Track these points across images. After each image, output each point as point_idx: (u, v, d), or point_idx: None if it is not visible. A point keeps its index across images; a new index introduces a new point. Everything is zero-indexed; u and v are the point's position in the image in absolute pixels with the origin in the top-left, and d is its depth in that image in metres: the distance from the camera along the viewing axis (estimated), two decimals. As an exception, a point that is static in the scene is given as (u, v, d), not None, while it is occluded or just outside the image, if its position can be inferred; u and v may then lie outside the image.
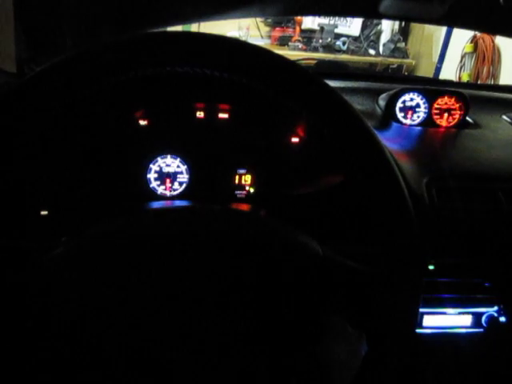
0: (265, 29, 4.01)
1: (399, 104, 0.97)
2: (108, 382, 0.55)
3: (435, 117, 0.98)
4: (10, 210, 0.66)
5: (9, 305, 0.52)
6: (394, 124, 0.96)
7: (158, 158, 0.75)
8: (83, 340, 0.53)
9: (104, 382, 0.55)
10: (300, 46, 3.79)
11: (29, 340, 0.52)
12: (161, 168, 0.75)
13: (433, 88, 1.01)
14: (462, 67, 3.48)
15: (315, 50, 3.77)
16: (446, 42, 3.54)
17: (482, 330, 0.76)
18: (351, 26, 3.88)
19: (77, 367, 0.54)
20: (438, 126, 0.97)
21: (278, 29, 3.94)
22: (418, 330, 0.73)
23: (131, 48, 0.49)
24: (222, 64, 0.50)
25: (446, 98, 0.97)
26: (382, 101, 1.00)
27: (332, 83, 1.01)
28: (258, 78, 0.52)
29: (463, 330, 0.76)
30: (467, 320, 0.76)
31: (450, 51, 3.55)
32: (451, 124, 0.98)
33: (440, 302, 0.74)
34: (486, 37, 3.23)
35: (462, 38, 3.43)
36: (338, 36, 3.89)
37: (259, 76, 0.52)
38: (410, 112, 0.97)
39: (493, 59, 3.24)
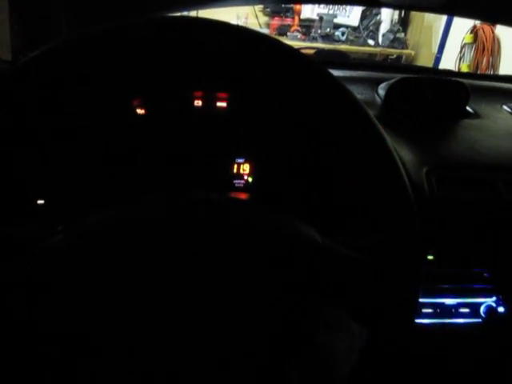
0: (263, 18, 3.99)
1: (399, 93, 0.96)
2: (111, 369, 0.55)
3: (435, 106, 0.97)
4: (6, 199, 0.65)
5: (6, 295, 0.51)
6: (394, 113, 0.95)
7: None
8: (83, 330, 0.53)
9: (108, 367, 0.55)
10: (299, 35, 3.78)
11: (27, 331, 0.52)
12: None
13: (432, 77, 1.00)
14: (461, 58, 3.47)
15: (314, 39, 3.75)
16: (445, 32, 3.53)
17: (480, 320, 0.76)
18: (350, 15, 3.87)
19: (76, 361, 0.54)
20: (438, 115, 0.97)
21: (276, 18, 3.92)
22: (416, 320, 0.73)
23: (129, 31, 0.48)
24: (225, 50, 0.50)
25: (445, 87, 0.96)
26: (381, 90, 0.99)
27: (332, 72, 1.00)
28: (259, 65, 0.51)
29: (461, 320, 0.76)
30: (465, 310, 0.76)
31: (450, 42, 3.54)
32: (451, 114, 0.97)
33: (439, 291, 0.74)
34: (486, 27, 3.22)
35: (461, 28, 3.42)
36: (337, 26, 3.87)
37: (261, 62, 0.51)
38: (409, 101, 0.96)
39: (492, 50, 3.23)
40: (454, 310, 0.75)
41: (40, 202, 0.70)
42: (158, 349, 0.53)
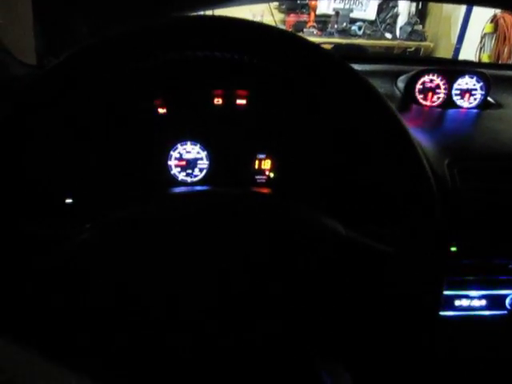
0: (279, 15, 3.98)
1: (418, 85, 0.96)
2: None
3: (456, 98, 0.96)
4: (36, 199, 0.67)
5: (38, 291, 0.53)
6: (414, 106, 0.95)
7: (178, 145, 0.75)
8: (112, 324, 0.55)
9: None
10: (315, 31, 3.76)
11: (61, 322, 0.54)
12: (181, 154, 0.76)
13: (452, 68, 1.00)
14: (481, 48, 3.41)
15: (330, 35, 3.72)
16: (465, 22, 3.46)
17: (505, 312, 0.75)
18: (367, 9, 3.83)
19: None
20: (459, 106, 0.96)
21: (292, 15, 3.90)
22: (441, 313, 0.73)
23: (154, 33, 0.49)
24: (243, 47, 0.50)
25: (466, 78, 0.95)
26: (400, 83, 0.99)
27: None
28: (279, 62, 0.52)
29: (486, 313, 0.75)
30: (491, 302, 0.75)
31: (470, 32, 3.47)
32: (472, 105, 0.96)
33: (463, 284, 0.73)
34: (507, 16, 3.15)
35: (481, 18, 3.35)
36: (353, 20, 3.83)
37: (281, 58, 0.52)
38: (429, 93, 0.96)
39: (514, 39, 3.16)
40: (478, 302, 0.75)
41: (68, 201, 0.72)
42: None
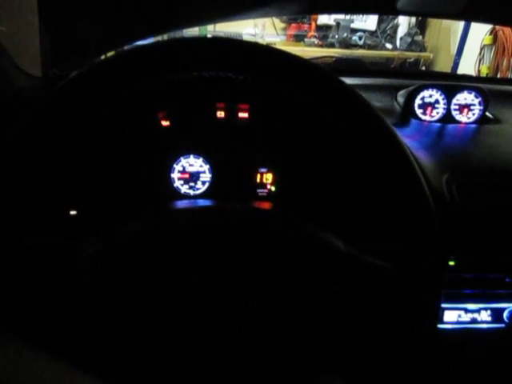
0: (280, 25, 4.00)
1: (418, 100, 0.97)
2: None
3: (454, 113, 0.98)
4: (41, 210, 0.68)
5: (44, 302, 0.54)
6: (413, 120, 0.97)
7: (182, 158, 0.77)
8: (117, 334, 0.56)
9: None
10: (316, 41, 3.78)
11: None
12: (184, 167, 0.77)
13: (451, 84, 1.01)
14: (481, 59, 3.43)
15: (331, 45, 3.74)
16: (464, 34, 3.49)
17: (503, 325, 0.76)
18: (367, 20, 3.85)
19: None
20: (458, 121, 0.97)
21: (293, 25, 3.93)
22: (439, 326, 0.74)
23: (161, 53, 0.51)
24: (247, 68, 0.52)
25: (465, 93, 0.97)
26: (400, 97, 1.00)
27: (351, 80, 1.02)
28: (281, 81, 0.53)
29: (484, 326, 0.76)
30: (488, 315, 0.76)
31: (469, 43, 3.50)
32: (471, 120, 0.98)
33: (461, 297, 0.74)
34: (506, 28, 3.18)
35: (480, 29, 3.38)
36: (354, 31, 3.86)
37: (282, 79, 0.53)
38: (429, 108, 0.97)
39: (513, 51, 3.18)
40: (476, 315, 0.75)
41: (73, 212, 0.73)
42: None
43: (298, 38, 3.88)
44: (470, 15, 1.10)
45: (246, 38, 3.58)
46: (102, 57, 1.15)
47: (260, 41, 3.62)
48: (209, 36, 0.54)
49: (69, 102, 0.51)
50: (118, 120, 0.73)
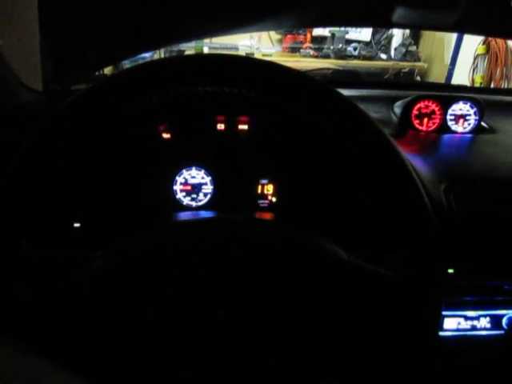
0: (276, 37, 4.04)
1: (415, 111, 0.99)
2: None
3: (450, 123, 0.99)
4: (45, 223, 0.69)
5: (46, 313, 0.55)
6: (410, 131, 0.98)
7: (184, 170, 0.78)
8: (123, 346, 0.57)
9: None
10: (311, 52, 3.82)
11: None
12: (186, 180, 0.78)
13: (447, 94, 1.03)
14: (474, 69, 3.47)
15: (327, 56, 3.78)
16: (457, 44, 3.54)
17: (502, 332, 0.77)
18: (362, 31, 3.89)
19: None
20: (454, 131, 0.99)
21: (289, 36, 3.97)
22: (439, 333, 0.75)
23: (167, 69, 0.52)
24: (253, 84, 0.53)
25: (460, 104, 0.99)
26: (397, 108, 1.02)
27: (348, 92, 1.03)
28: (281, 95, 0.55)
29: (484, 333, 0.76)
30: (487, 322, 0.77)
31: (463, 53, 3.54)
32: (467, 130, 0.99)
33: (460, 304, 0.75)
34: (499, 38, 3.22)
35: (474, 39, 3.42)
36: (349, 42, 3.90)
37: (282, 93, 0.54)
38: (425, 119, 0.99)
39: (506, 60, 3.22)
40: (476, 323, 0.76)
41: (76, 225, 0.74)
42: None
43: (294, 50, 3.91)
44: (461, 28, 1.12)
45: (241, 49, 3.62)
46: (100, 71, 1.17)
47: (256, 52, 3.65)
48: (214, 53, 0.55)
49: (77, 119, 0.52)
50: (120, 134, 0.75)
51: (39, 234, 0.66)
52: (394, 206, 0.57)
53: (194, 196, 0.79)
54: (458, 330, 0.76)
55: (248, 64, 0.53)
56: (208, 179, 0.79)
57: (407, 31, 4.03)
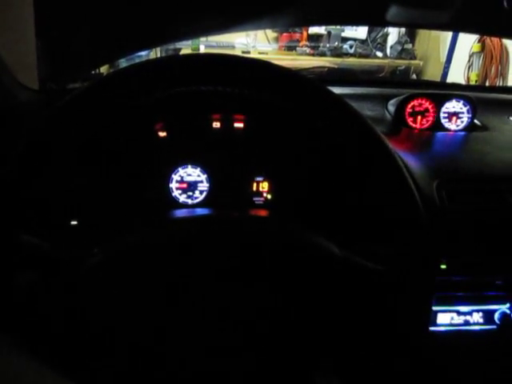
0: (272, 35, 4.05)
1: (408, 109, 1.00)
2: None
3: (444, 121, 1.00)
4: (42, 220, 0.69)
5: (44, 309, 0.56)
6: (404, 129, 0.99)
7: (179, 168, 0.78)
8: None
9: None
10: (307, 50, 3.82)
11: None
12: (182, 177, 0.79)
13: (440, 92, 1.04)
14: (470, 67, 3.48)
15: (323, 54, 3.79)
16: (453, 42, 3.55)
17: (495, 326, 0.78)
18: (358, 29, 3.91)
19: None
20: (447, 129, 1.00)
21: (285, 35, 3.97)
22: (431, 328, 0.76)
23: (162, 69, 0.53)
24: (245, 83, 0.54)
25: (453, 101, 1.00)
26: (391, 106, 1.03)
27: (342, 90, 1.04)
28: (275, 94, 0.55)
29: (476, 327, 0.77)
30: (480, 317, 0.77)
31: (458, 51, 3.56)
32: (460, 127, 1.00)
33: (453, 299, 0.76)
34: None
35: (469, 37, 3.43)
36: (345, 40, 3.91)
37: (276, 91, 0.55)
38: (419, 117, 1.00)
39: (501, 58, 3.24)
40: (468, 318, 0.77)
41: (73, 222, 0.75)
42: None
43: (290, 48, 3.92)
44: (456, 27, 1.13)
45: (238, 47, 3.62)
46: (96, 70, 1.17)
47: (252, 50, 3.65)
48: (210, 52, 0.56)
49: (74, 117, 0.52)
50: (116, 132, 0.75)
51: (35, 231, 0.67)
52: (386, 203, 0.58)
53: (190, 194, 0.79)
54: (450, 325, 0.76)
55: (239, 63, 0.54)
56: (204, 177, 0.79)
57: (403, 29, 4.04)
